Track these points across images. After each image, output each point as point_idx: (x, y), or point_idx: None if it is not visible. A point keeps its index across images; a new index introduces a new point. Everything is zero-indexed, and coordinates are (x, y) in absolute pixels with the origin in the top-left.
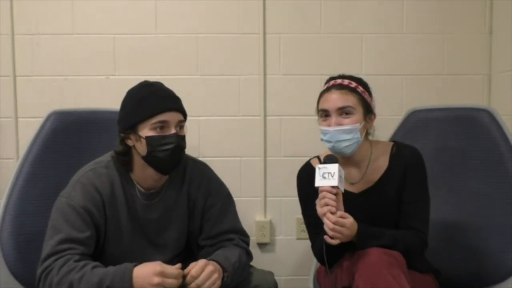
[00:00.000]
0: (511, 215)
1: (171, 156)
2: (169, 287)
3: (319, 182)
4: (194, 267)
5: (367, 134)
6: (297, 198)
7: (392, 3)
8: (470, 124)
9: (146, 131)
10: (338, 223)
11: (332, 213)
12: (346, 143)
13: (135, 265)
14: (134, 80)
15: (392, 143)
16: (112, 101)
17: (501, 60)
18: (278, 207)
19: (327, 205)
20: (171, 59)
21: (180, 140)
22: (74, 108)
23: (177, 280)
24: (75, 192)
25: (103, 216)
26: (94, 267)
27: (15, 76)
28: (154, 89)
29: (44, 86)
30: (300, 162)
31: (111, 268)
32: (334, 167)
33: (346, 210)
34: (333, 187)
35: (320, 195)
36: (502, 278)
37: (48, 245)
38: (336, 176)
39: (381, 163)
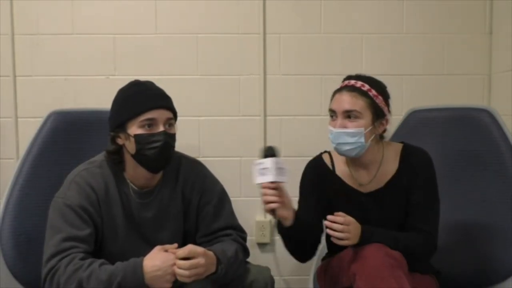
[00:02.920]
0: (511, 215)
1: (160, 154)
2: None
3: (257, 179)
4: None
5: (380, 137)
6: (297, 199)
7: (392, 3)
8: (470, 124)
9: (134, 129)
10: (345, 222)
11: (274, 209)
12: (348, 146)
13: (142, 259)
14: None
15: (401, 145)
16: None
17: (501, 60)
18: None
19: (269, 202)
20: (171, 59)
21: (168, 138)
22: (74, 108)
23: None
24: (70, 192)
25: (99, 215)
26: (101, 264)
27: (15, 76)
28: (143, 87)
29: (44, 86)
30: (300, 162)
31: (119, 265)
32: (268, 162)
33: (353, 209)
34: (271, 182)
35: (261, 192)
36: (502, 278)
37: (49, 245)
38: (272, 170)
39: (391, 166)
